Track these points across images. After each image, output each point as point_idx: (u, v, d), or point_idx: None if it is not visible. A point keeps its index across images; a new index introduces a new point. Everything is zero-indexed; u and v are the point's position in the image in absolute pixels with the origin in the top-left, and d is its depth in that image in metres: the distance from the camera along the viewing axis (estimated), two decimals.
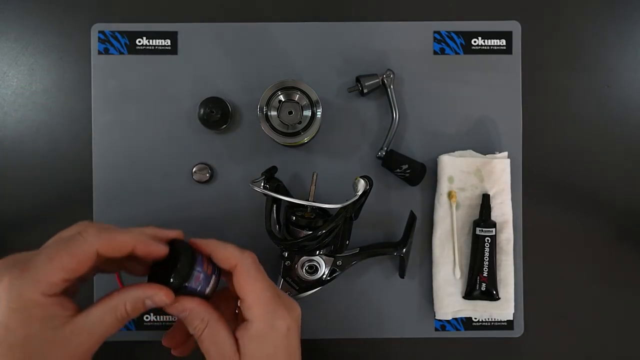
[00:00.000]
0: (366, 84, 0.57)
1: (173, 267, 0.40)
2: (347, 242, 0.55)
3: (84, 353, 0.39)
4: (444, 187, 0.58)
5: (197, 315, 0.42)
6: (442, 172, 0.58)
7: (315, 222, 0.52)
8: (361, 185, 0.52)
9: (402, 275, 0.57)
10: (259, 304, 0.42)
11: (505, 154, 0.58)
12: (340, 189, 0.56)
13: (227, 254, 0.43)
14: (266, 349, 0.42)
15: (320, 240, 0.52)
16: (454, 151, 0.58)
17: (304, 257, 0.53)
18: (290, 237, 0.53)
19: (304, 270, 0.53)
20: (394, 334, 0.60)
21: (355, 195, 0.51)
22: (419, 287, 0.59)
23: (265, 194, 0.52)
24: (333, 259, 0.54)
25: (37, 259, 0.37)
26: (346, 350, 0.60)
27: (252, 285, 0.42)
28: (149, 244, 0.41)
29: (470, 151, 0.58)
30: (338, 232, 0.53)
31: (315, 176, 0.54)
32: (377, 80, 0.57)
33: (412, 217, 0.56)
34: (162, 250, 0.41)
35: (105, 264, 0.43)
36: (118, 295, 0.40)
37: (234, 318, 0.48)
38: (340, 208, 0.51)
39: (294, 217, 0.53)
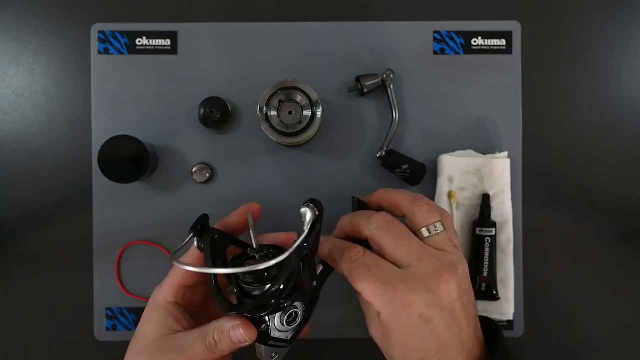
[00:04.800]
0: (366, 84, 0.57)
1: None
2: (313, 282, 0.44)
3: None
4: (444, 187, 0.58)
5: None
6: (442, 172, 0.58)
7: (269, 272, 0.39)
8: (308, 215, 0.41)
9: None
10: None
11: (506, 154, 0.58)
12: (340, 189, 0.56)
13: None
14: None
15: (280, 296, 0.40)
16: (454, 151, 0.58)
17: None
18: (246, 297, 0.41)
19: (283, 324, 0.42)
20: None
21: (304, 230, 0.40)
22: None
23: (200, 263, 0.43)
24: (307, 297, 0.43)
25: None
26: (346, 350, 0.60)
27: None
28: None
29: (470, 151, 0.59)
30: (299, 276, 0.41)
31: (251, 218, 0.42)
32: (377, 80, 0.57)
33: None
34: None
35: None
36: (212, 322, 0.42)
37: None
38: (288, 255, 0.38)
39: (241, 276, 0.40)
